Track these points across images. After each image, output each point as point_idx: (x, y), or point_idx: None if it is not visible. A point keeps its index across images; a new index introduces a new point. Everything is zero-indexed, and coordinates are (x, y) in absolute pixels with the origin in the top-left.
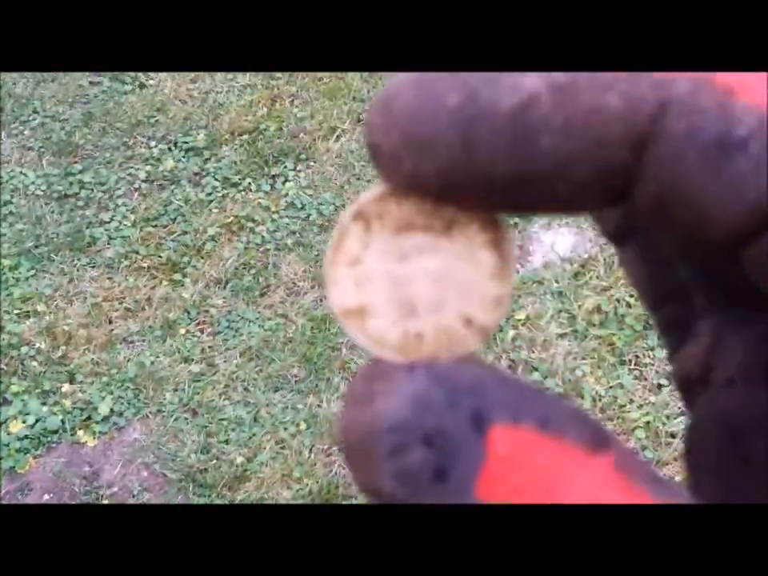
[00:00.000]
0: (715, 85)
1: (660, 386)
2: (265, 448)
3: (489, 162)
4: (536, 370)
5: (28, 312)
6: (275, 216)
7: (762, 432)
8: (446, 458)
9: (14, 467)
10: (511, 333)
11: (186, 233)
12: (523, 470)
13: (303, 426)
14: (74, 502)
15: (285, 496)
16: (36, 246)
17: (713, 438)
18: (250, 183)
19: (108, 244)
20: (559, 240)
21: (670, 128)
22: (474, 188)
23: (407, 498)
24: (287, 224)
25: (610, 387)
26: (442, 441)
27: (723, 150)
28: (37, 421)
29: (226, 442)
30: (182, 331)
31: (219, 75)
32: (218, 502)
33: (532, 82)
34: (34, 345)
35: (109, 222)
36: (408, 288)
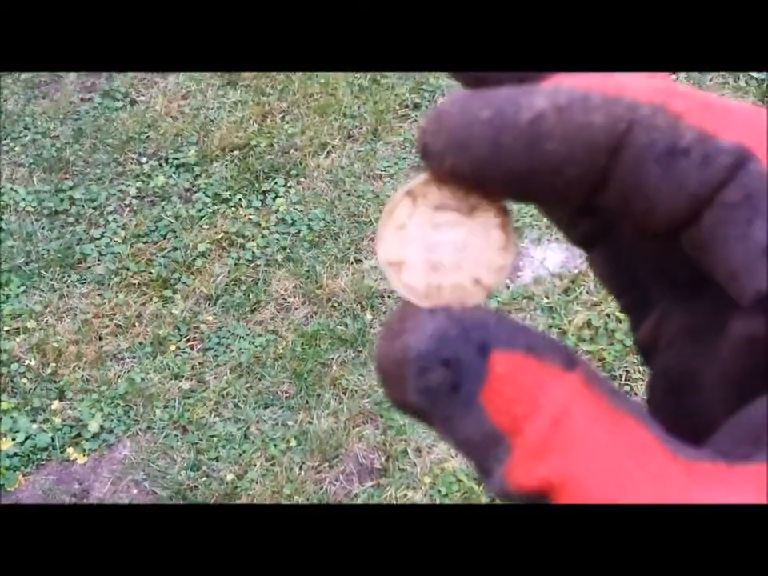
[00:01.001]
0: (668, 110)
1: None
2: (255, 465)
3: (509, 159)
4: None
5: (18, 329)
6: (265, 232)
7: (691, 382)
8: (459, 376)
9: (3, 485)
10: None
11: (176, 249)
12: (515, 384)
13: (293, 442)
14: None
15: None
16: (26, 263)
17: (658, 389)
18: (240, 199)
19: (98, 260)
20: (549, 255)
21: (635, 140)
22: (496, 178)
23: (429, 408)
24: (277, 240)
25: None
26: (456, 364)
27: (671, 155)
28: (26, 438)
29: (216, 458)
30: (173, 348)
31: (210, 91)
32: None
33: (541, 101)
34: (24, 362)
35: (99, 239)
36: (436, 252)
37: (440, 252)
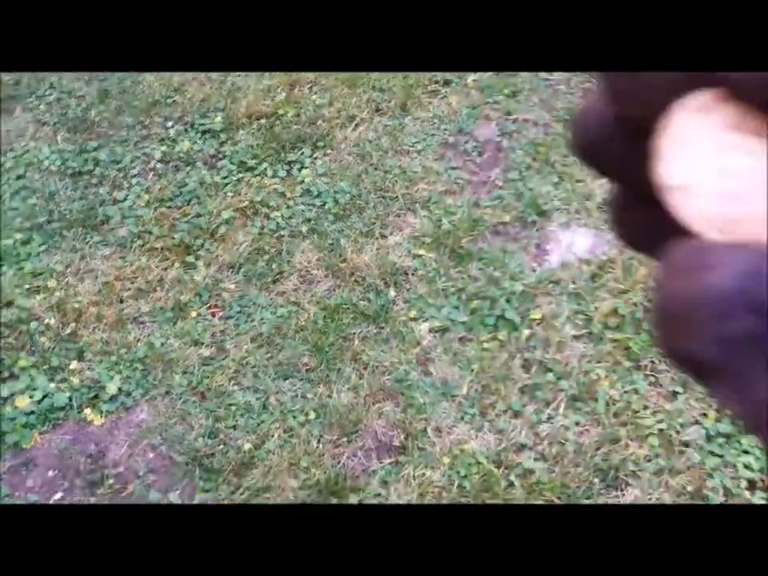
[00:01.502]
0: None
1: (675, 393)
2: (273, 435)
3: None
4: (550, 370)
5: (38, 287)
6: (290, 202)
7: None
8: None
9: (18, 442)
10: (526, 332)
11: (200, 215)
12: None
13: (312, 415)
14: (78, 479)
15: (291, 485)
16: (48, 222)
17: None
18: (266, 168)
19: (121, 223)
20: (577, 240)
21: None
22: None
23: (725, 362)
24: (302, 211)
25: (625, 392)
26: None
27: None
28: (44, 397)
29: (234, 427)
30: (194, 314)
31: None
32: (223, 487)
33: None
34: (44, 321)
35: (122, 201)
36: (731, 179)
37: (735, 179)
